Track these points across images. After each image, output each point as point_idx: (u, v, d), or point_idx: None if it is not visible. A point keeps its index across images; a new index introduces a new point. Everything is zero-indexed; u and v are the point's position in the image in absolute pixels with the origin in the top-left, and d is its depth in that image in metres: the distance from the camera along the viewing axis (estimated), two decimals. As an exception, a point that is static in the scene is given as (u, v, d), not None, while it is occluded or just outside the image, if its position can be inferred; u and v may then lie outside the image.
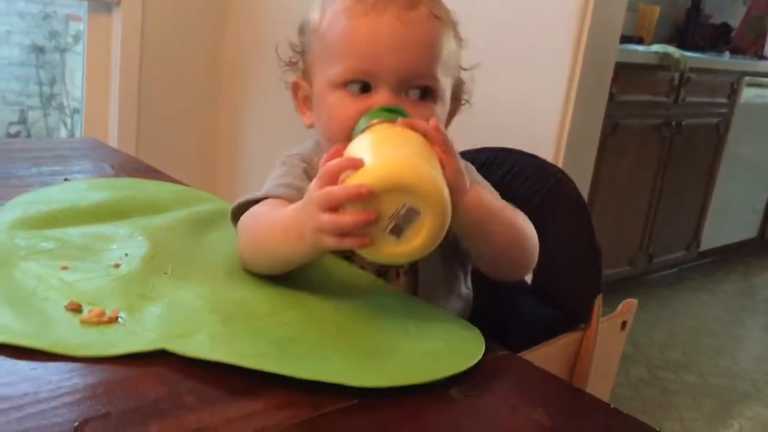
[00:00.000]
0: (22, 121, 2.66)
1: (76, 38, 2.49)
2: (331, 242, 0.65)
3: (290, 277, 0.74)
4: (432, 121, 0.71)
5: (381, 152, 0.67)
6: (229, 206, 0.89)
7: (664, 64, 2.84)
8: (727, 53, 3.73)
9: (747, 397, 2.51)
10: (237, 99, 2.55)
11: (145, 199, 0.90)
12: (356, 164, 0.64)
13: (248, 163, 2.54)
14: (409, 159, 0.66)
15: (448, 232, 0.66)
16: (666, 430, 2.22)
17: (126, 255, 0.74)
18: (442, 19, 0.83)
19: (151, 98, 2.44)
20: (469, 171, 0.87)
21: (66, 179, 0.99)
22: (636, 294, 3.22)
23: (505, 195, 0.84)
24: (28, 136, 2.63)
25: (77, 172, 1.04)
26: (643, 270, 3.26)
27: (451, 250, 0.86)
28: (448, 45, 0.83)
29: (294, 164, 0.86)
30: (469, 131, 0.97)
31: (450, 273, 0.89)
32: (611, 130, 2.67)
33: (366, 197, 0.62)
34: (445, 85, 0.83)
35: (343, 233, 0.65)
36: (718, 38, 3.91)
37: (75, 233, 0.78)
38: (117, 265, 0.72)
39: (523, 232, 0.79)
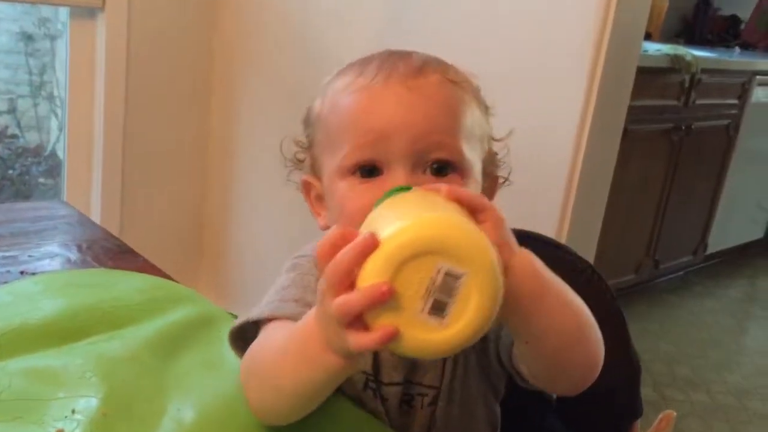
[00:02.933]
0: (12, 110, 2.56)
1: (66, 25, 2.36)
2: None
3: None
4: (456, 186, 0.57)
5: (398, 217, 0.52)
6: (212, 307, 0.76)
7: (675, 67, 2.71)
8: (737, 48, 3.60)
9: (758, 417, 2.42)
10: (228, 107, 2.42)
11: (108, 309, 0.76)
12: (367, 245, 0.50)
13: (240, 172, 2.41)
14: (433, 213, 0.52)
15: None
16: (675, 457, 2.13)
17: (73, 413, 0.60)
18: (459, 83, 0.70)
19: (138, 108, 2.30)
20: None
21: (22, 272, 0.86)
22: (641, 302, 3.16)
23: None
24: (18, 126, 2.53)
25: (38, 259, 0.91)
26: (649, 276, 3.16)
27: (481, 360, 0.73)
28: (471, 111, 0.70)
29: (305, 271, 0.71)
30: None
31: (481, 393, 0.75)
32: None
33: (388, 297, 0.48)
34: (472, 158, 0.69)
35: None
36: (727, 31, 3.77)
37: (17, 369, 0.65)
38: None
39: (590, 319, 0.62)
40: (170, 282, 0.88)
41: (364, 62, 0.71)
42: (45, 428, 0.59)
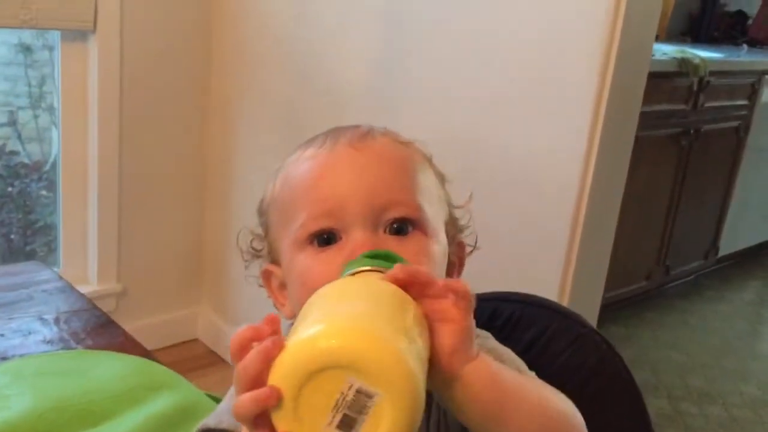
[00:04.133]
0: (12, 122, 2.54)
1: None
2: None
3: None
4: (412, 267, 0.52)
5: (319, 315, 0.47)
6: (194, 394, 0.71)
7: (683, 70, 2.64)
8: (745, 46, 3.52)
9: (776, 433, 2.36)
10: (225, 129, 2.36)
11: (81, 406, 0.70)
12: (269, 352, 0.46)
13: (238, 193, 2.35)
14: (354, 316, 0.47)
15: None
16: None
17: None
18: (409, 145, 0.68)
19: (133, 131, 2.24)
20: (482, 338, 0.68)
21: (-9, 356, 0.80)
22: (652, 309, 3.10)
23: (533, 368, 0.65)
24: (19, 138, 2.49)
25: (8, 338, 0.85)
26: (660, 282, 3.09)
27: None
28: (424, 171, 0.67)
29: None
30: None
31: None
32: (627, 145, 2.48)
33: (274, 402, 0.45)
34: (433, 216, 0.65)
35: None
36: (734, 28, 3.69)
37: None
38: None
39: (562, 418, 0.58)
40: (151, 364, 0.82)
41: (311, 139, 0.69)
42: None
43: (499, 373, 0.54)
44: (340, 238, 0.62)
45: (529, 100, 1.58)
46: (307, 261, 0.63)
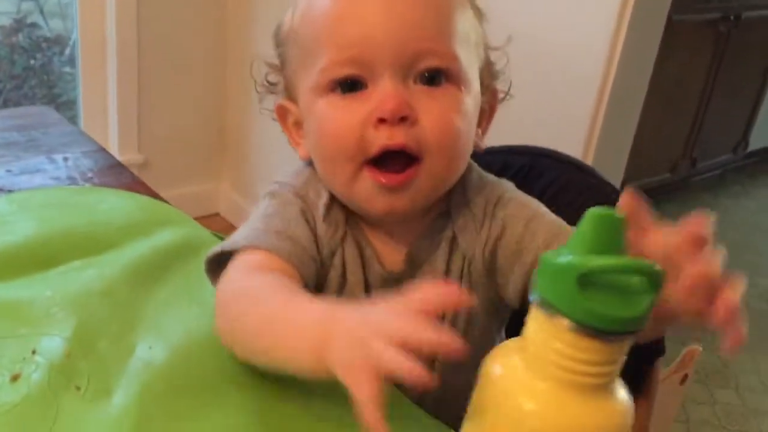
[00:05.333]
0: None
1: None
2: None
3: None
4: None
5: None
6: (201, 231, 0.70)
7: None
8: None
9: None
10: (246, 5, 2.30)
11: (85, 233, 0.70)
12: (441, 348, 0.41)
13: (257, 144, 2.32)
14: None
15: None
16: (701, 361, 2.08)
17: (33, 353, 0.55)
18: None
19: (151, 5, 2.21)
20: (502, 185, 0.67)
21: (-1, 191, 0.80)
22: (675, 201, 3.06)
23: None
24: (41, 12, 2.46)
25: (16, 175, 0.84)
26: (685, 175, 3.04)
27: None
28: (462, 13, 0.62)
29: (287, 200, 0.64)
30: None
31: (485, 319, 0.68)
32: (664, 27, 2.38)
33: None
34: (469, 65, 0.61)
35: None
36: None
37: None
38: (15, 378, 0.53)
39: None
40: (157, 202, 0.82)
41: None
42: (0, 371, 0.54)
43: None
44: (366, 86, 0.59)
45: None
46: (329, 109, 0.60)
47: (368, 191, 0.59)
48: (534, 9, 1.56)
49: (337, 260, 0.63)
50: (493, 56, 0.67)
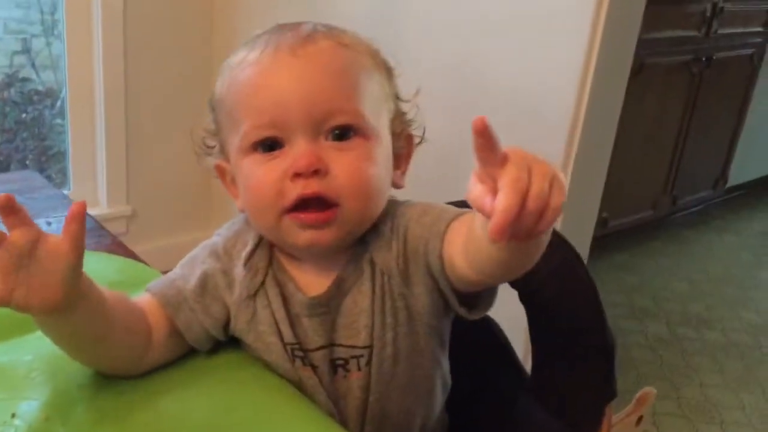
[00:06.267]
0: (26, 50, 2.55)
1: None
2: None
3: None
4: None
5: None
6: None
7: (696, -5, 2.59)
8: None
9: (772, 357, 2.39)
10: (230, 31, 2.36)
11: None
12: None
13: None
14: None
15: None
16: (685, 396, 2.12)
17: (12, 417, 0.58)
18: (352, 47, 0.70)
19: (139, 56, 2.25)
20: (404, 202, 0.74)
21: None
22: (657, 238, 3.11)
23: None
24: (33, 65, 2.52)
25: None
26: (667, 212, 3.10)
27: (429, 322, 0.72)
28: (367, 73, 0.70)
29: (201, 258, 0.75)
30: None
31: (420, 346, 0.73)
32: (637, 70, 2.45)
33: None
34: (376, 120, 0.69)
35: None
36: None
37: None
38: (-1, 438, 0.56)
39: None
40: (135, 263, 0.86)
41: (254, 37, 0.71)
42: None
43: None
44: (283, 145, 0.67)
45: (526, 28, 1.57)
46: (252, 167, 0.68)
47: (292, 229, 0.67)
48: (502, 57, 1.62)
49: (260, 300, 0.71)
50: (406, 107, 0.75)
